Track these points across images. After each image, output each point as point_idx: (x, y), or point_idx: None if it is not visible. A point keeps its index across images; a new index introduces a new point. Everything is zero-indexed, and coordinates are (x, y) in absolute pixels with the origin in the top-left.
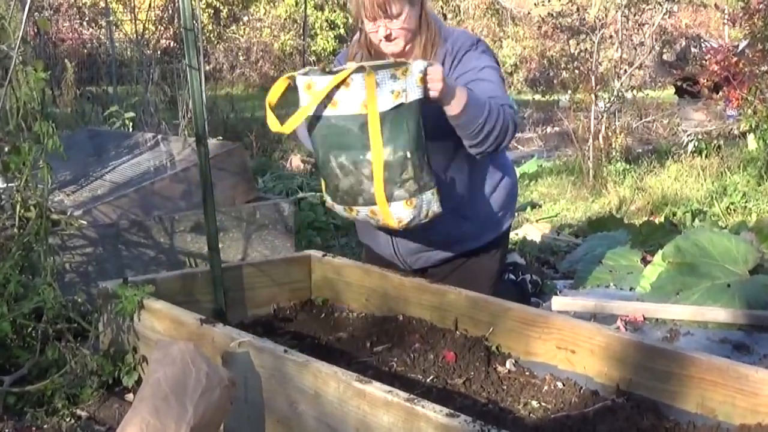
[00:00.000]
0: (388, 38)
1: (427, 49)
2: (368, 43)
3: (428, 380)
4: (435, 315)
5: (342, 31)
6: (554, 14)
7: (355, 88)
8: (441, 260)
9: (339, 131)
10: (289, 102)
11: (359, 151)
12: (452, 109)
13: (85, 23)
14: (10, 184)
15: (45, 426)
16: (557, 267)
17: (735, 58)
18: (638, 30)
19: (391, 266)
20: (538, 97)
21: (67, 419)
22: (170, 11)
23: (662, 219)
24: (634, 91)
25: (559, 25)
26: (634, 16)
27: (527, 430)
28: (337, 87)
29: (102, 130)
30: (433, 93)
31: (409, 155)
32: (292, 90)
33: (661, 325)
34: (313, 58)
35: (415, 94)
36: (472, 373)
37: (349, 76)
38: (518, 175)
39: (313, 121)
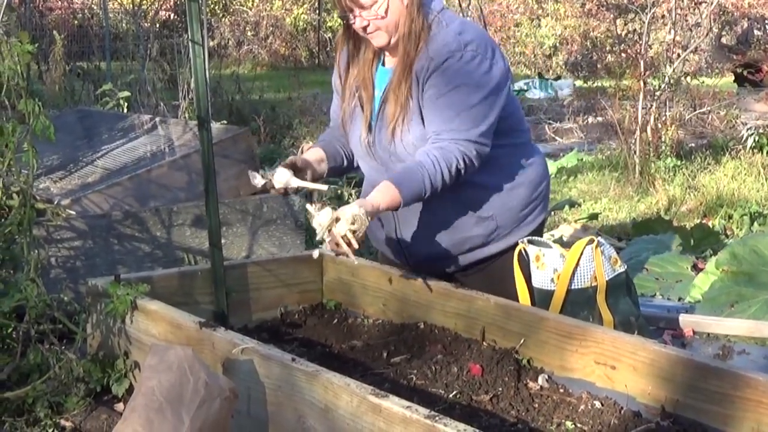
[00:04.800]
0: (365, 30)
1: (408, 46)
2: (352, 35)
3: (451, 396)
4: (460, 323)
5: None
6: None
7: (585, 261)
8: (457, 267)
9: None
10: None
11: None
12: (392, 208)
13: None
14: None
15: None
16: None
17: None
18: (694, 9)
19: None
20: (579, 83)
21: (50, 430)
22: None
23: (716, 222)
24: (688, 78)
25: (604, 3)
26: None
27: None
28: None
29: (93, 110)
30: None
31: (634, 319)
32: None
33: (712, 340)
34: (329, 35)
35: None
36: (500, 389)
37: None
38: (556, 169)
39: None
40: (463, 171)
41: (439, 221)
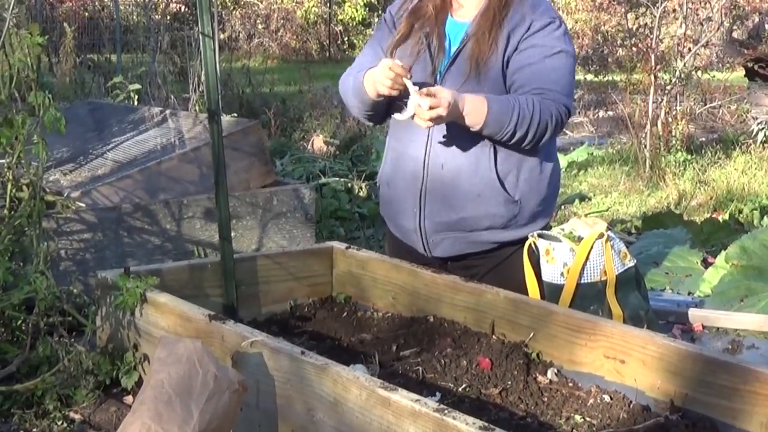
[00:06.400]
0: None
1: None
2: None
3: (460, 389)
4: (470, 317)
5: None
6: None
7: (594, 255)
8: (468, 247)
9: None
10: None
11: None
12: (470, 124)
13: None
14: (0, 161)
15: (34, 430)
16: None
17: None
18: (705, 3)
19: (411, 252)
20: (590, 77)
21: (59, 422)
22: None
23: (727, 216)
24: (699, 73)
25: None
26: None
27: None
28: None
29: (104, 102)
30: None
31: (643, 313)
32: None
33: (722, 335)
34: (340, 27)
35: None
36: (509, 383)
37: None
38: (566, 163)
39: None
40: (551, 129)
41: (467, 189)
